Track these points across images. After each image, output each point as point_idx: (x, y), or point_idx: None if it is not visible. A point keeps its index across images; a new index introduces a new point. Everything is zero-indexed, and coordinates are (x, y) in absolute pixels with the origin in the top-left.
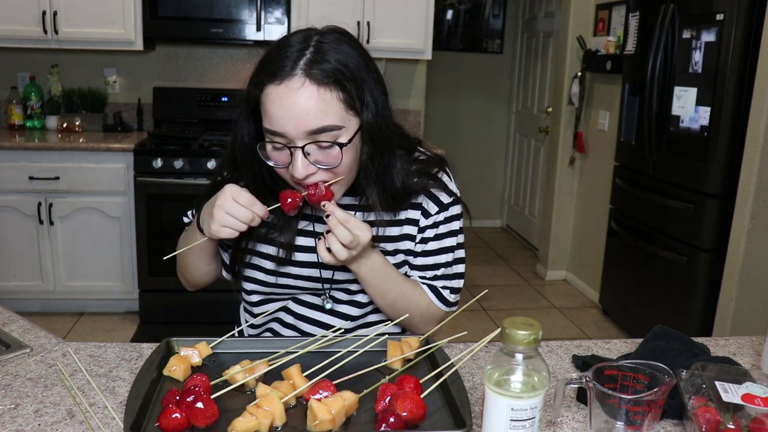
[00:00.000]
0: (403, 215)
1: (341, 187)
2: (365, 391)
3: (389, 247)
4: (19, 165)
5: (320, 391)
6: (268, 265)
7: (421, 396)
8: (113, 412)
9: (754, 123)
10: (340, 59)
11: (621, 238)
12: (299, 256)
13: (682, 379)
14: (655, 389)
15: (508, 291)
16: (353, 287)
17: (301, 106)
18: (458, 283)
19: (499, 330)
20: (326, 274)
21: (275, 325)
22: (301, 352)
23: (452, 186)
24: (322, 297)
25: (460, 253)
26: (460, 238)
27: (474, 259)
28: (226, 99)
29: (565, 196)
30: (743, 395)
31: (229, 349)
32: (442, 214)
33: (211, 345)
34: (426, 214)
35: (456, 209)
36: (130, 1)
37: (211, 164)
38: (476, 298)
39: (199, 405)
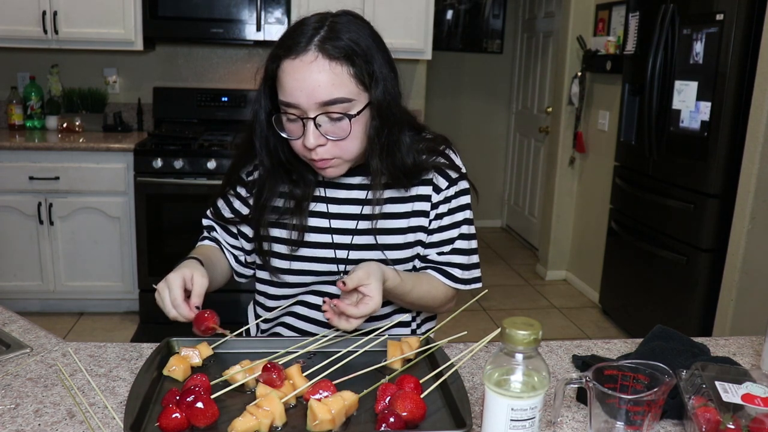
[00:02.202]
0: (413, 191)
1: (348, 162)
2: (365, 391)
3: (402, 224)
4: (19, 165)
5: (320, 391)
6: (283, 249)
7: (421, 396)
8: (113, 412)
9: (754, 123)
10: (352, 37)
11: (621, 238)
12: (312, 237)
13: (682, 379)
14: (655, 389)
15: (508, 291)
16: None
17: (313, 78)
18: (476, 258)
19: (499, 330)
20: (341, 254)
21: (289, 319)
22: (301, 352)
23: (459, 162)
24: (338, 280)
25: (472, 229)
26: (469, 214)
27: None
28: (226, 99)
29: (565, 196)
30: (743, 395)
31: (230, 349)
32: (452, 188)
33: (212, 346)
34: (437, 190)
35: (464, 184)
36: (130, 1)
37: (211, 164)
38: (476, 298)
39: (199, 405)
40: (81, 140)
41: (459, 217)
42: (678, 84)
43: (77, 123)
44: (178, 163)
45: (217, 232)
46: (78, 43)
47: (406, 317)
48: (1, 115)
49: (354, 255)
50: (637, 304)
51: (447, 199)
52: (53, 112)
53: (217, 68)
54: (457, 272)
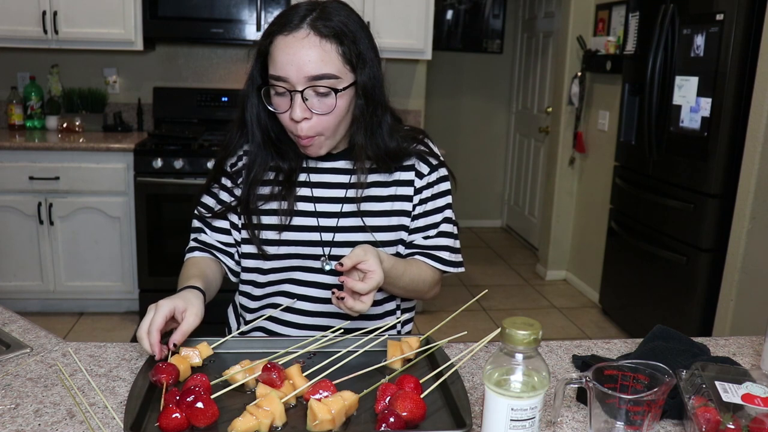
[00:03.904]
0: (395, 176)
1: (332, 139)
2: (365, 391)
3: (386, 206)
4: (19, 165)
5: (320, 391)
6: (270, 234)
7: (421, 396)
8: (113, 412)
9: (754, 123)
10: (341, 20)
11: (621, 238)
12: (298, 221)
13: (682, 379)
14: (655, 389)
15: (508, 291)
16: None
17: (304, 53)
18: (459, 243)
19: (499, 330)
20: (326, 236)
21: (273, 311)
22: (301, 352)
23: (437, 150)
24: (321, 258)
25: (453, 214)
26: (450, 199)
27: (474, 259)
28: (226, 99)
29: (565, 196)
30: (743, 395)
31: (229, 349)
32: (433, 174)
33: (212, 346)
34: (420, 175)
35: (444, 171)
36: (130, 1)
37: (211, 164)
38: (476, 298)
39: (199, 405)
40: (81, 140)
41: (442, 202)
42: (678, 79)
43: (77, 123)
44: (178, 163)
45: (207, 234)
46: (78, 43)
47: (391, 305)
48: (1, 115)
49: (339, 237)
50: (637, 304)
51: (430, 185)
52: (53, 112)
53: (217, 68)
54: (445, 255)
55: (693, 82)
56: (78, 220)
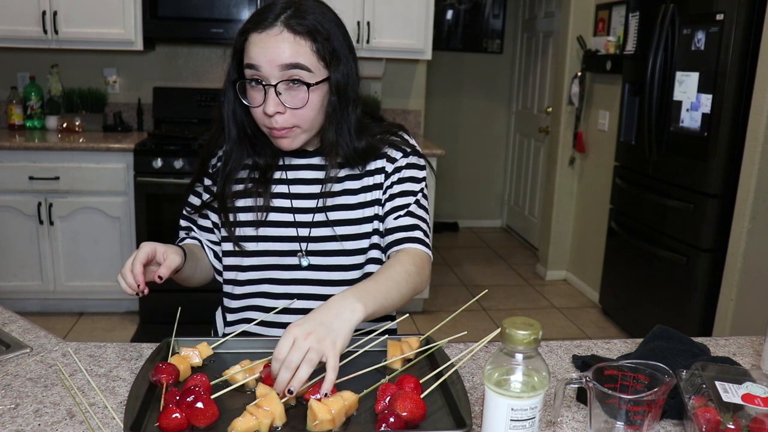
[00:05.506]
0: (367, 167)
1: (305, 132)
2: (365, 391)
3: (359, 199)
4: (19, 165)
5: (320, 391)
6: (248, 230)
7: (421, 396)
8: (113, 412)
9: (754, 123)
10: (316, 18)
11: (621, 238)
12: (275, 217)
13: (682, 379)
14: (655, 389)
15: (508, 291)
16: (329, 246)
17: (278, 47)
18: (427, 228)
19: (499, 330)
20: (303, 232)
21: (254, 314)
22: None
23: (413, 141)
24: (299, 254)
25: (426, 205)
26: (423, 187)
27: (474, 259)
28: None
29: (565, 196)
30: (743, 395)
31: (229, 349)
32: (404, 159)
33: (212, 346)
34: (392, 161)
35: (417, 159)
36: (130, 1)
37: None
38: (476, 298)
39: (199, 405)
40: (81, 140)
41: (416, 187)
42: (679, 75)
43: (77, 123)
44: (178, 163)
45: (195, 232)
46: (78, 43)
47: None
48: (1, 115)
49: (315, 232)
50: (637, 304)
51: (398, 169)
52: (53, 112)
53: (217, 68)
54: (419, 234)
55: (694, 77)
56: (78, 220)
